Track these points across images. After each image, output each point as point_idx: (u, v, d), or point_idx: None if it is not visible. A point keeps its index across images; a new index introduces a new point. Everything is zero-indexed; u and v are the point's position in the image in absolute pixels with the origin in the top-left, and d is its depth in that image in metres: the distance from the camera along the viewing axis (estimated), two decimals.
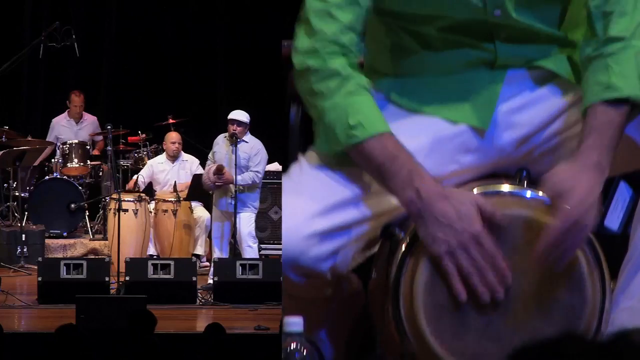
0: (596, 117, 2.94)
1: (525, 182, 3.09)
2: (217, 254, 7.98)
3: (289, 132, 3.48)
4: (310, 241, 2.98)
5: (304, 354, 2.41)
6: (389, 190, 2.97)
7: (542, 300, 2.98)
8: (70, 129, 10.10)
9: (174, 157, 9.12)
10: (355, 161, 3.02)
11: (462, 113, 3.12)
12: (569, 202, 2.86)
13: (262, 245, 8.70)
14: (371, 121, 2.97)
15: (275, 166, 8.88)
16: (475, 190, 3.07)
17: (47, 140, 9.92)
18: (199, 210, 8.76)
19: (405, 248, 3.04)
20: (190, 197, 8.62)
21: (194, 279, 7.35)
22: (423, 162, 2.97)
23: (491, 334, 3.00)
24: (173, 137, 9.22)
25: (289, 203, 3.04)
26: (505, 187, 3.09)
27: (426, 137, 3.09)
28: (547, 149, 3.14)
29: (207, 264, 8.39)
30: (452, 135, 3.12)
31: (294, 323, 2.44)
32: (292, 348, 2.42)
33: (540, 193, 2.99)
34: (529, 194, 3.03)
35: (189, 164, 9.12)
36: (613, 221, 3.27)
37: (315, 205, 3.00)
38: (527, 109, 3.12)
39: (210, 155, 8.24)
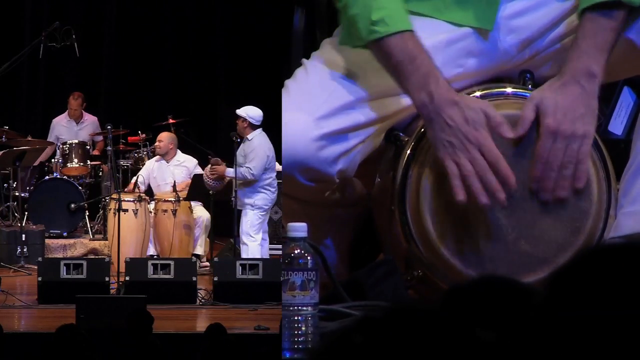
0: (586, 23, 2.97)
1: (530, 84, 3.13)
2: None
3: (293, 37, 3.47)
4: (320, 143, 2.99)
5: (308, 259, 2.40)
6: (403, 89, 2.99)
7: (549, 201, 3.00)
8: (70, 129, 10.08)
9: (163, 157, 9.04)
10: (375, 56, 3.02)
11: (466, 15, 3.13)
12: (551, 117, 2.91)
13: None
14: (394, 18, 2.96)
15: (276, 166, 8.85)
16: (477, 93, 3.11)
17: (47, 140, 9.90)
18: (199, 210, 8.74)
19: (411, 152, 3.08)
20: (190, 197, 8.61)
21: (194, 279, 7.34)
22: None
23: (498, 236, 3.02)
24: (160, 136, 9.16)
25: (294, 106, 3.03)
26: (509, 89, 3.14)
27: (430, 41, 3.09)
28: (550, 53, 3.17)
29: (207, 264, 8.39)
30: (456, 39, 3.14)
31: (298, 228, 2.42)
32: (295, 254, 2.40)
33: None
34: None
35: (186, 164, 9.06)
36: (617, 126, 3.32)
37: (323, 107, 3.01)
38: (528, 13, 3.14)
39: None
